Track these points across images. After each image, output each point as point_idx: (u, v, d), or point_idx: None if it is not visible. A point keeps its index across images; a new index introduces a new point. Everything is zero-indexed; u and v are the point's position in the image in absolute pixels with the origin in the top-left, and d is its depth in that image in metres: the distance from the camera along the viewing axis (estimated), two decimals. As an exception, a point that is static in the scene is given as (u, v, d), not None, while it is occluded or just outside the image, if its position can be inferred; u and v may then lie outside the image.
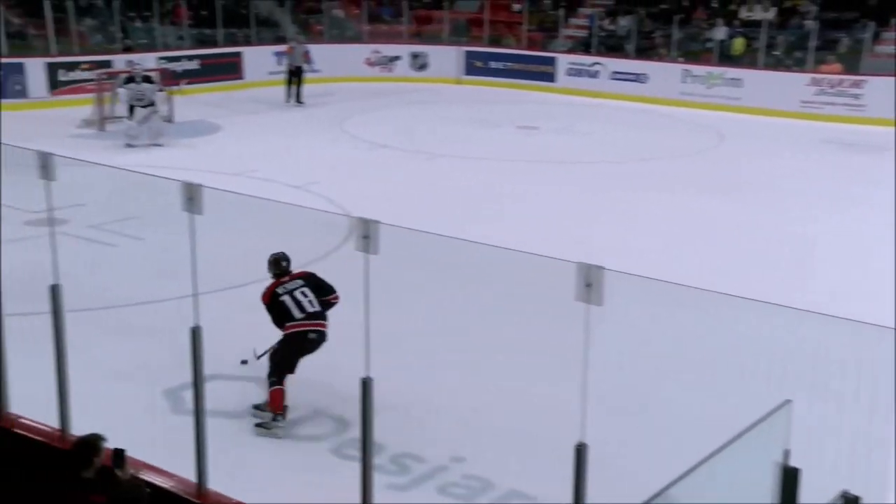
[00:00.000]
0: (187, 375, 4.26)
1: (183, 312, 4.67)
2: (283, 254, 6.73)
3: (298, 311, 6.32)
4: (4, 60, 18.07)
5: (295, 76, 20.08)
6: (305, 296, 6.40)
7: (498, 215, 11.53)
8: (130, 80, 15.86)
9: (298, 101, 20.02)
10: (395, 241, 4.44)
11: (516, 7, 25.47)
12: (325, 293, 6.48)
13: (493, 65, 23.96)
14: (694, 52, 21.97)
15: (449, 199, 12.40)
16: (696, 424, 5.63)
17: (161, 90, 16.14)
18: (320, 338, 6.32)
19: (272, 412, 6.16)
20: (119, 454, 4.05)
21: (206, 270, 4.42)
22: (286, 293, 6.42)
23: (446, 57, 24.12)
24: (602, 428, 3.66)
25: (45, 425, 4.62)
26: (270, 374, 6.25)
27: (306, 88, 20.38)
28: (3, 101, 17.66)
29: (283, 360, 6.25)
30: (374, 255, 3.93)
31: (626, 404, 6.36)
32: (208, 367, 4.37)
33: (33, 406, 4.68)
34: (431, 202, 12.18)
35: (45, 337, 4.78)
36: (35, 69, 18.41)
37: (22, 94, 18.15)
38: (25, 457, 4.52)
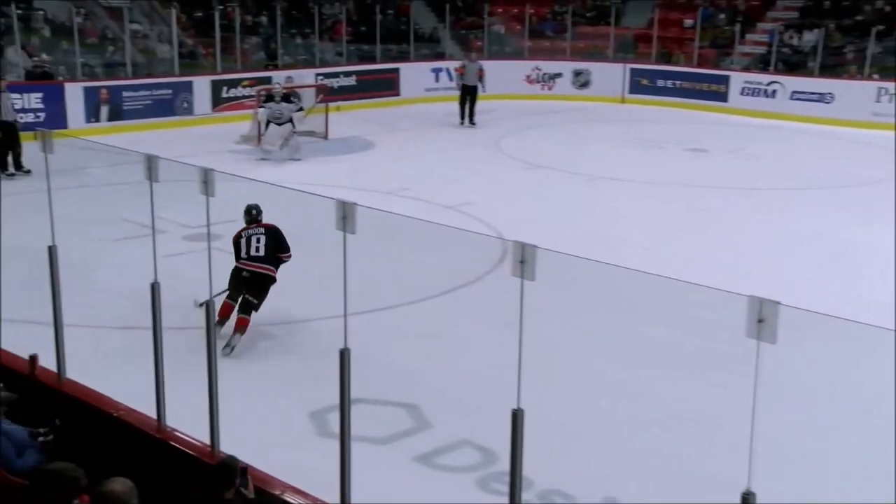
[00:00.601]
0: (333, 398, 4.37)
1: (331, 333, 4.79)
2: (256, 205, 8.37)
3: (244, 252, 8.01)
4: (175, 79, 19.15)
5: (469, 95, 19.99)
6: (258, 241, 8.06)
7: (660, 242, 11.31)
8: (270, 98, 16.51)
9: (472, 121, 19.98)
10: (552, 267, 4.42)
11: (688, 22, 25.04)
12: (280, 249, 8.13)
13: (661, 83, 23.61)
14: (889, 68, 20.89)
15: (608, 224, 12.26)
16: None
17: (300, 109, 16.72)
18: (253, 277, 7.95)
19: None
20: (244, 473, 4.19)
21: (356, 291, 4.52)
22: (245, 237, 8.11)
23: (610, 74, 23.94)
24: (777, 475, 3.51)
25: (197, 440, 4.83)
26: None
27: (454, 107, 20.56)
28: (172, 118, 18.76)
29: (228, 286, 7.95)
30: (531, 281, 3.92)
31: (800, 450, 6.09)
32: (355, 390, 4.47)
33: (187, 420, 4.91)
34: (589, 226, 12.07)
35: (200, 351, 5.01)
36: (201, 87, 19.47)
37: (188, 111, 19.20)
38: (178, 470, 4.75)
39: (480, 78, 20.12)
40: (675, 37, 25.07)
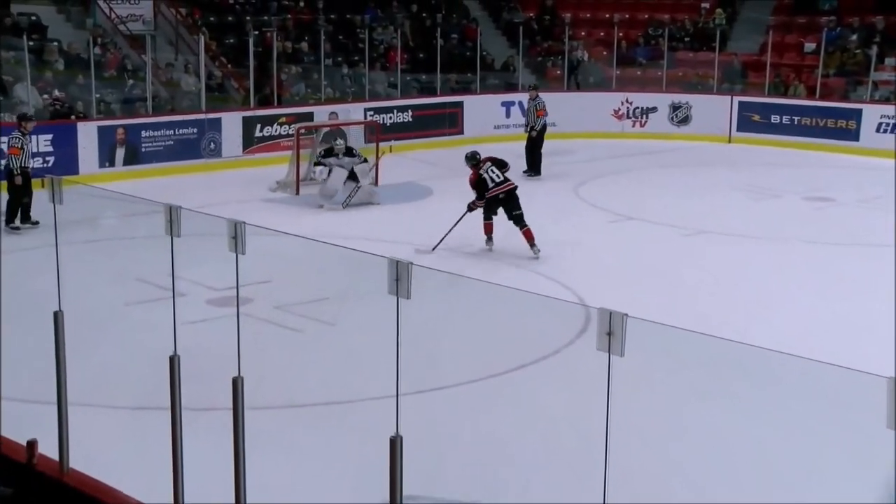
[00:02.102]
0: (383, 493, 4.37)
1: (381, 416, 4.81)
2: (473, 151, 14.28)
3: (491, 183, 13.59)
4: (202, 116, 19.56)
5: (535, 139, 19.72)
6: (493, 171, 13.68)
7: (776, 310, 11.16)
8: (329, 152, 16.79)
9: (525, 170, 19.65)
10: (646, 340, 4.38)
11: (809, 46, 24.95)
12: (504, 166, 13.90)
13: (775, 119, 23.49)
14: None
15: (712, 288, 12.15)
16: None
17: (364, 160, 16.95)
18: (507, 195, 13.61)
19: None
20: None
21: (410, 366, 4.54)
22: (485, 171, 13.66)
23: (715, 109, 23.89)
24: None
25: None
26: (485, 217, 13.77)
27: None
28: (197, 161, 19.19)
29: (486, 213, 13.72)
30: (619, 356, 3.90)
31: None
32: (408, 485, 4.47)
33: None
34: (689, 290, 11.97)
35: (226, 436, 5.05)
36: (231, 124, 19.81)
37: (216, 153, 19.55)
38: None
39: (537, 118, 19.73)
40: (794, 63, 25.00)
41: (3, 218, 14.24)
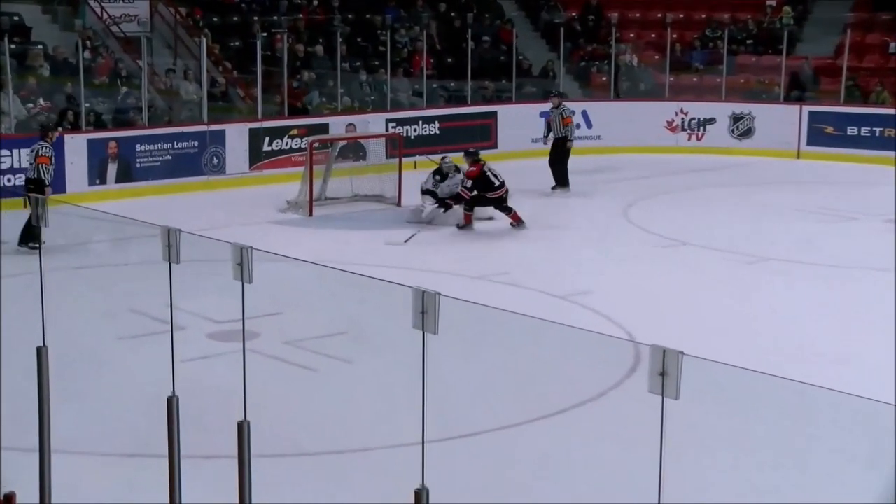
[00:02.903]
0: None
1: (403, 465, 4.82)
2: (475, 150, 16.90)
3: (497, 182, 16.32)
4: (203, 128, 19.71)
5: (554, 150, 19.93)
6: (496, 172, 16.35)
7: (856, 350, 11.08)
8: (439, 172, 17.03)
9: (554, 186, 19.85)
10: (702, 379, 4.37)
11: (894, 47, 24.81)
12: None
13: (852, 130, 23.39)
14: None
15: (779, 323, 12.08)
16: None
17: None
18: (506, 196, 16.37)
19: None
20: None
21: (438, 409, 4.55)
22: (489, 171, 16.24)
23: (781, 119, 23.83)
24: None
25: None
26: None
27: (579, 162, 20.62)
28: (198, 178, 19.33)
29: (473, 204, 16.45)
30: (673, 399, 3.89)
31: None
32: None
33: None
34: (748, 325, 11.91)
35: (230, 486, 5.07)
36: (236, 137, 19.94)
37: (219, 169, 19.65)
38: None
39: (566, 126, 19.89)
40: (874, 67, 24.90)
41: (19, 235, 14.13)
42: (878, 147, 22.90)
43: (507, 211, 16.43)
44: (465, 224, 16.40)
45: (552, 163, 19.81)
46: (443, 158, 17.51)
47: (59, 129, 15.77)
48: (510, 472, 8.29)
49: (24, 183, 14.64)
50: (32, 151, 14.75)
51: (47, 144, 14.82)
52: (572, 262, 14.62)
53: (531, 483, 8.06)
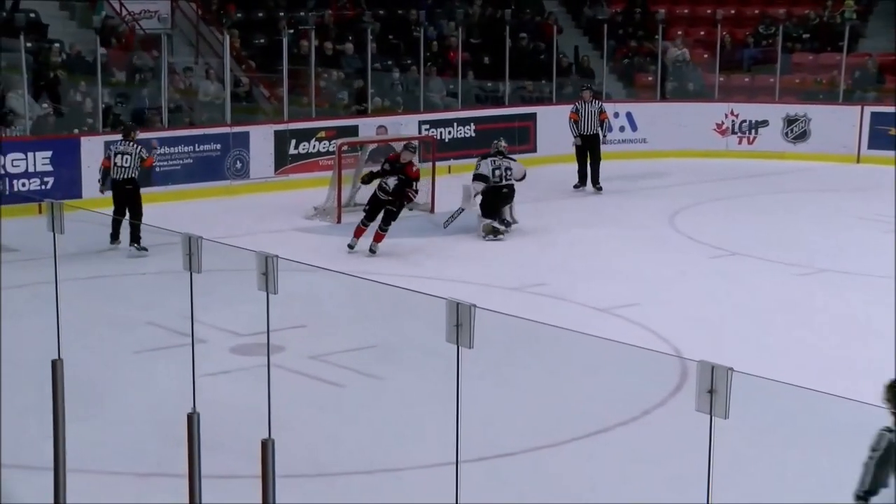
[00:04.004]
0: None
1: (434, 487, 4.83)
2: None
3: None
4: (226, 130, 19.77)
5: (588, 148, 20.11)
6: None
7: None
8: (498, 153, 17.09)
9: (595, 185, 20.10)
10: (753, 396, 4.37)
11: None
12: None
13: (917, 133, 23.26)
14: None
15: (839, 338, 12.02)
16: None
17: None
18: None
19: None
20: None
21: (469, 426, 4.56)
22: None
23: (840, 121, 23.71)
24: None
25: None
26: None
27: (624, 166, 20.58)
28: (221, 183, 19.38)
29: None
30: (722, 419, 3.88)
31: None
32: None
33: None
34: (806, 338, 11.86)
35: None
36: (261, 140, 19.99)
37: (243, 173, 19.72)
38: None
39: (602, 123, 20.21)
40: (943, 64, 24.74)
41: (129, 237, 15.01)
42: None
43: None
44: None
45: (585, 159, 20.07)
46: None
47: (138, 128, 16.24)
48: (548, 494, 8.28)
49: (119, 181, 15.12)
50: (121, 154, 15.12)
51: (137, 145, 15.35)
52: (615, 272, 14.57)
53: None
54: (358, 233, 15.30)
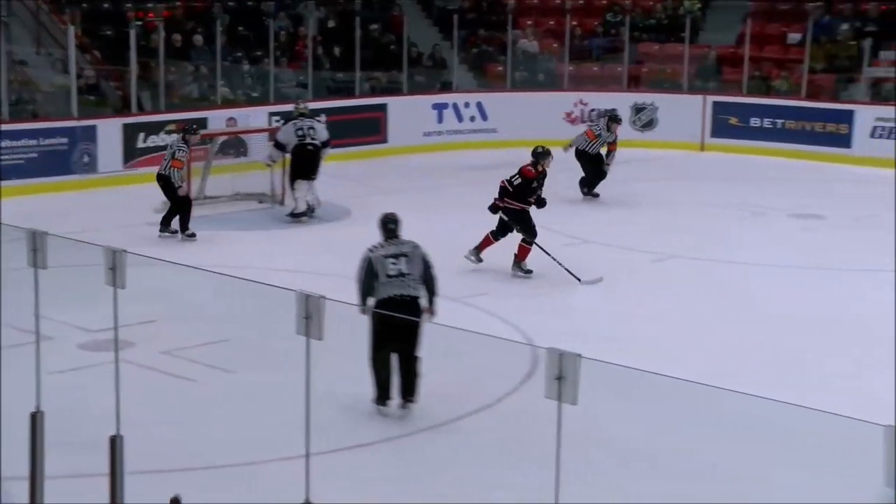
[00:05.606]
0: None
1: (290, 479, 4.86)
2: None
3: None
4: (73, 123, 19.38)
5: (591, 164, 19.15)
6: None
7: (757, 349, 11.36)
8: (301, 115, 17.33)
9: (593, 193, 19.19)
10: (601, 382, 4.47)
11: (794, 37, 25.37)
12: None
13: (755, 122, 23.87)
14: None
15: (681, 320, 12.33)
16: None
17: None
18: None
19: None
20: None
21: (325, 418, 4.61)
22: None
23: (685, 110, 24.20)
24: None
25: None
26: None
27: (474, 157, 20.57)
28: (68, 177, 19.01)
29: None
30: (571, 404, 3.96)
31: None
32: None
33: None
34: (653, 324, 12.13)
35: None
36: (109, 133, 19.65)
37: (90, 167, 19.37)
38: None
39: (609, 152, 19.33)
40: (776, 57, 25.40)
41: (179, 226, 15.76)
42: (780, 139, 23.43)
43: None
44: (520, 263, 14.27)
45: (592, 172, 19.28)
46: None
47: (199, 132, 16.68)
48: (403, 483, 8.34)
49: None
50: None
51: (184, 146, 15.88)
52: (466, 263, 14.69)
53: (422, 495, 8.12)
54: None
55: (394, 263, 9.43)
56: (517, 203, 14.06)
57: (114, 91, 21.64)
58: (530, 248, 13.99)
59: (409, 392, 9.31)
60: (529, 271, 14.03)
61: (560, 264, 13.75)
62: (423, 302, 9.53)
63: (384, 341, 9.21)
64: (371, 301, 9.35)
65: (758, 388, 7.49)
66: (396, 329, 9.33)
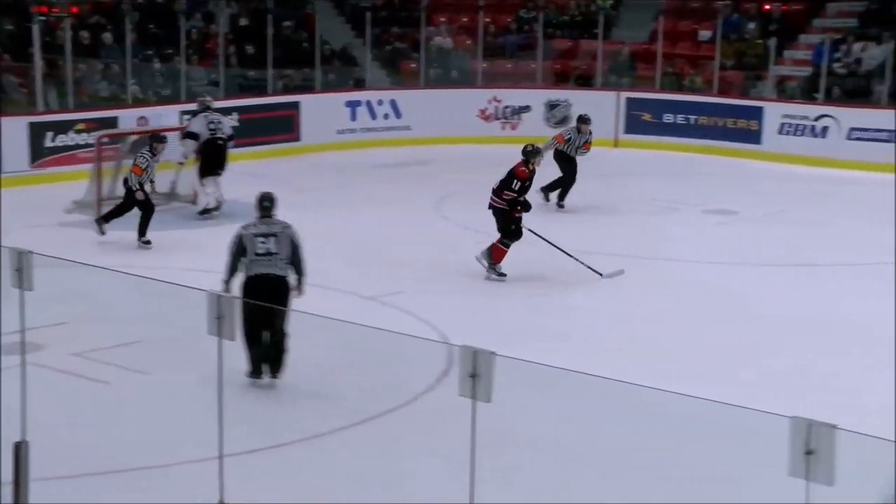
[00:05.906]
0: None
1: (205, 481, 4.83)
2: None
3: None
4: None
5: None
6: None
7: (664, 341, 11.48)
8: (207, 109, 17.32)
9: (560, 203, 18.54)
10: (511, 376, 4.49)
11: (704, 35, 25.70)
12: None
13: (668, 118, 24.13)
14: None
15: (594, 317, 12.44)
16: None
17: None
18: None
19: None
20: None
21: (238, 419, 4.58)
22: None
23: (598, 107, 24.14)
24: None
25: None
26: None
27: (387, 154, 20.60)
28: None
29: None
30: (486, 402, 3.98)
31: None
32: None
33: None
34: (568, 320, 12.21)
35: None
36: (14, 132, 19.34)
37: (-6, 166, 19.05)
38: None
39: (586, 150, 18.69)
40: (688, 54, 25.71)
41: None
42: (692, 135, 23.76)
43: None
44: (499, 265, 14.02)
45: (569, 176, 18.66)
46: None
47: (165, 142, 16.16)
48: (321, 483, 8.32)
49: None
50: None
51: (148, 155, 15.50)
52: (381, 259, 14.67)
53: (337, 494, 8.11)
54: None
55: (262, 242, 9.88)
56: (503, 202, 13.94)
57: (18, 88, 21.27)
58: (506, 251, 13.84)
59: (276, 368, 9.69)
60: (503, 275, 13.84)
61: (578, 260, 13.83)
62: (293, 280, 9.85)
63: (254, 319, 9.44)
64: (240, 277, 9.73)
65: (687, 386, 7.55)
66: (265, 308, 9.56)
